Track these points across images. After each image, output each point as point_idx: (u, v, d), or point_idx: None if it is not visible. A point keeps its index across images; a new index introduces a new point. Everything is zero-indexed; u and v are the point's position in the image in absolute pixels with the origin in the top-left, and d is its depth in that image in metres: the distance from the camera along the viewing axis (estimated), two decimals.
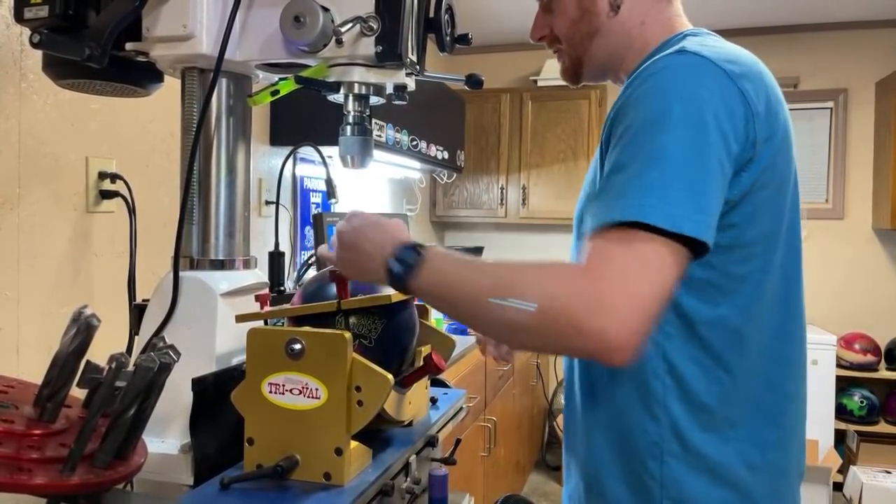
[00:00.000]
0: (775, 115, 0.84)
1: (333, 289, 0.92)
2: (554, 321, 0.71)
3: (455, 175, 3.79)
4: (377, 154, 2.37)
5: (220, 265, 1.02)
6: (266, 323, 0.97)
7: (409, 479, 0.98)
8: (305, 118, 2.35)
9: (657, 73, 0.80)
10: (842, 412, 3.65)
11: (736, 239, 0.82)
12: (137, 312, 1.05)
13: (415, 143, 2.82)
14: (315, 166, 2.66)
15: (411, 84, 1.01)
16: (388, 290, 0.95)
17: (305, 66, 0.99)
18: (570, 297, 0.71)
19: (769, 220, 0.85)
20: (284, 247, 1.93)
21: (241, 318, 0.95)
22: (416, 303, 1.04)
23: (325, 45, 0.92)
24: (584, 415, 0.93)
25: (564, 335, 0.72)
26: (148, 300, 1.01)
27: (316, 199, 2.73)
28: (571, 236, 1.03)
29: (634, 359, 0.71)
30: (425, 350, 1.05)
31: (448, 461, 1.12)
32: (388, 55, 0.91)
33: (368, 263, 0.85)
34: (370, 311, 0.92)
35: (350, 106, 0.98)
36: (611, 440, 0.88)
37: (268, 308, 0.97)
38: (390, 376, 0.84)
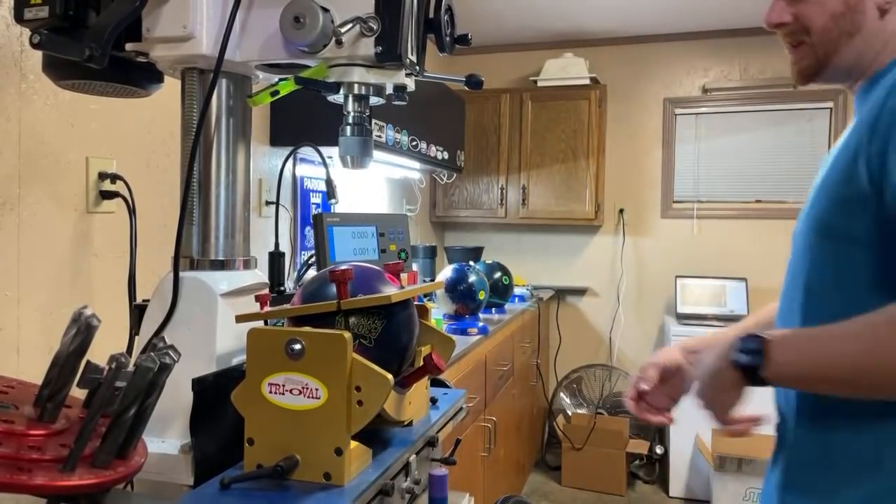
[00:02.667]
0: None
1: (333, 289, 0.92)
2: None
3: (455, 175, 3.79)
4: (377, 154, 2.37)
5: (220, 265, 1.02)
6: (266, 323, 0.97)
7: (409, 479, 0.98)
8: (305, 118, 2.35)
9: None
10: None
11: None
12: (137, 312, 1.05)
13: (415, 143, 2.82)
14: (315, 166, 2.67)
15: (411, 84, 1.01)
16: (389, 290, 0.95)
17: (305, 67, 0.99)
18: None
19: None
20: (284, 247, 1.93)
21: (241, 319, 0.95)
22: (416, 303, 1.04)
23: (324, 46, 0.92)
24: (804, 411, 0.90)
25: None
26: (148, 300, 1.01)
27: (316, 199, 2.73)
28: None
29: None
30: (425, 350, 1.05)
31: (448, 461, 1.12)
32: (388, 56, 0.91)
33: (719, 376, 0.84)
34: (370, 311, 0.92)
35: (350, 106, 0.99)
36: (831, 440, 0.85)
37: (268, 308, 0.97)
38: (390, 376, 0.84)
